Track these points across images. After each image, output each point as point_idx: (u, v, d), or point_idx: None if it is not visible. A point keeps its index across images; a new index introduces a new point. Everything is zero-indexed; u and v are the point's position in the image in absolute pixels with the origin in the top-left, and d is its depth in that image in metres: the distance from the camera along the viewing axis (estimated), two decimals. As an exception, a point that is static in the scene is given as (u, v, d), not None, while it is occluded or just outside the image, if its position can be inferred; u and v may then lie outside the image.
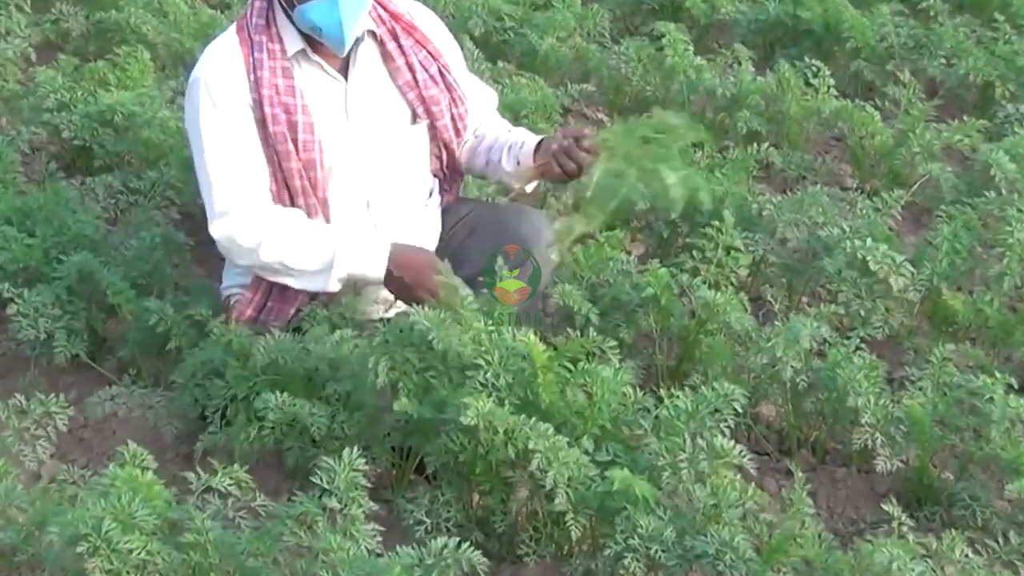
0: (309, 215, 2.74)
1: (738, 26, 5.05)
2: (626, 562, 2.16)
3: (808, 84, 4.23)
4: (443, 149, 2.92)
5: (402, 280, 2.69)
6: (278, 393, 2.45)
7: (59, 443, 2.67)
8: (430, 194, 2.94)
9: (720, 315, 2.84)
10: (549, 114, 4.09)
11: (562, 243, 2.69)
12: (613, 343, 2.49)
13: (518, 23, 4.82)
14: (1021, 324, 3.17)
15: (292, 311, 2.79)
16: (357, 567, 2.05)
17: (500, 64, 4.46)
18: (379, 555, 2.12)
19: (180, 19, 4.56)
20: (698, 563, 2.18)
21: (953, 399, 2.69)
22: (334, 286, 2.71)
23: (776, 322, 2.88)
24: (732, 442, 2.29)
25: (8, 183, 3.46)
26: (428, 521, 2.41)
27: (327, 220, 2.76)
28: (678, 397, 2.36)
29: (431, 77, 2.84)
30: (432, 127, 2.87)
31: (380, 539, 2.15)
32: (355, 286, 2.76)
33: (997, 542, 2.42)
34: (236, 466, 2.24)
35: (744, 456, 2.29)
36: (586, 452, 2.31)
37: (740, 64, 4.43)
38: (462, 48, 3.20)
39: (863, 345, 2.81)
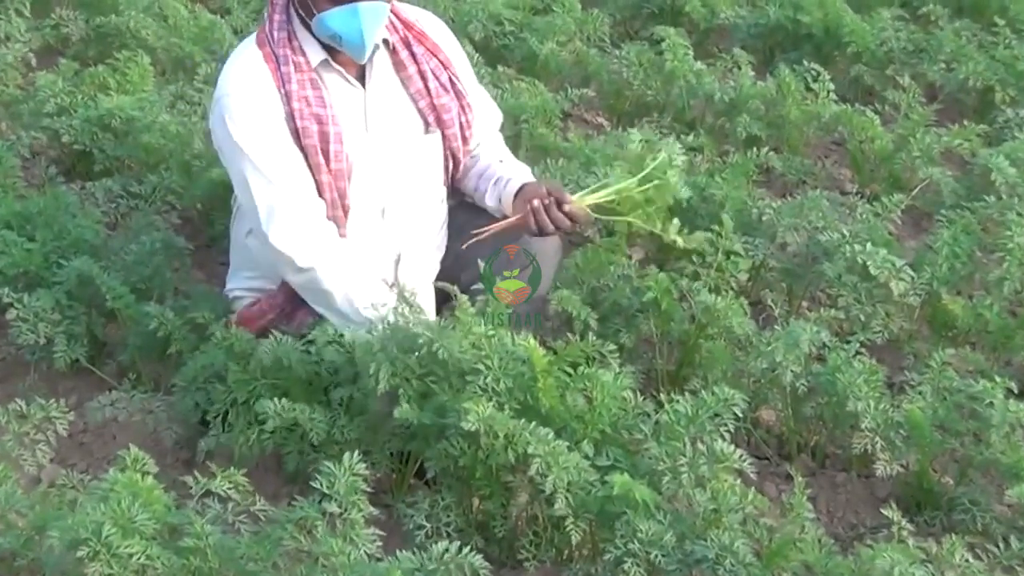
0: (336, 227, 2.73)
1: (738, 30, 5.05)
2: (626, 567, 2.16)
3: (808, 88, 4.23)
4: (450, 158, 2.92)
5: None
6: (277, 400, 2.45)
7: (59, 447, 2.66)
8: (441, 202, 2.95)
9: (720, 319, 2.84)
10: (549, 119, 4.08)
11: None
12: (613, 347, 2.49)
13: (518, 27, 4.81)
14: (1021, 328, 3.16)
15: (296, 324, 2.78)
16: (357, 571, 2.05)
17: (500, 69, 4.46)
18: (379, 560, 2.12)
19: (180, 24, 4.56)
20: (698, 568, 2.18)
21: (953, 404, 2.69)
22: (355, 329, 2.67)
23: (776, 326, 2.89)
24: (732, 446, 2.29)
25: (8, 187, 3.46)
26: (428, 525, 2.41)
27: (345, 229, 2.75)
28: (678, 402, 2.36)
29: (442, 85, 2.84)
30: (442, 136, 2.87)
31: (380, 544, 2.15)
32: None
33: (997, 547, 2.42)
34: (235, 470, 2.24)
35: (744, 460, 2.29)
36: (586, 457, 2.32)
37: (740, 68, 4.43)
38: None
39: (863, 350, 2.81)
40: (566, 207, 2.68)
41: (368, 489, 2.16)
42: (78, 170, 3.92)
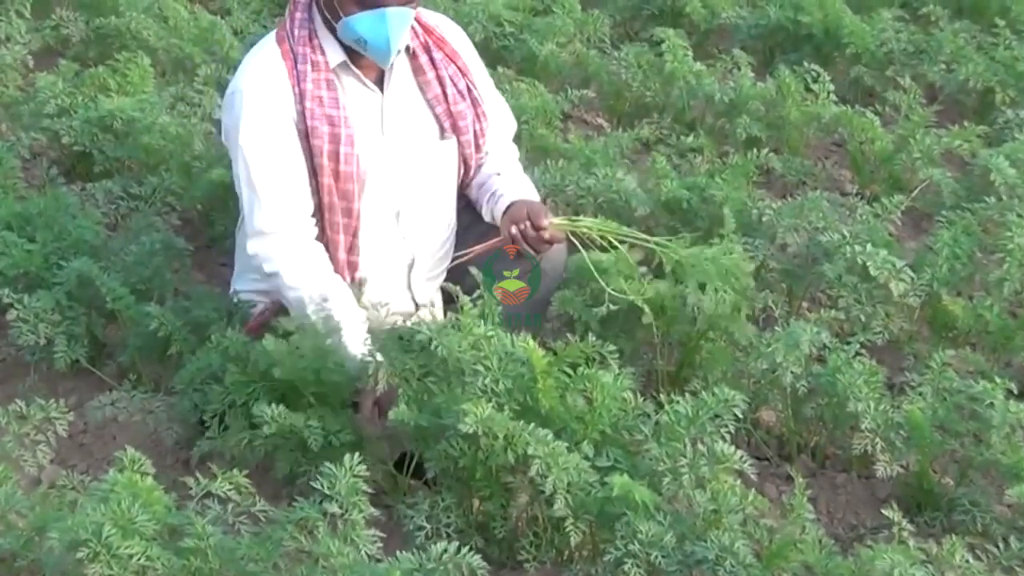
0: (332, 231, 2.73)
1: (738, 31, 5.05)
2: (626, 568, 2.16)
3: (808, 89, 4.23)
4: (462, 164, 2.91)
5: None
6: (274, 405, 2.43)
7: (59, 448, 2.66)
8: (453, 208, 2.95)
9: (721, 324, 2.84)
10: (549, 120, 4.09)
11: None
12: (613, 348, 2.49)
13: (518, 29, 4.81)
14: (1021, 329, 3.16)
15: None
16: (357, 572, 2.05)
17: (500, 70, 4.45)
18: (379, 560, 2.13)
19: (180, 24, 4.56)
20: (698, 569, 2.18)
21: (953, 404, 2.68)
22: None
23: (776, 327, 2.88)
24: (732, 447, 2.29)
25: (8, 188, 3.46)
26: (428, 526, 2.41)
27: (356, 233, 2.75)
28: (678, 402, 2.36)
29: (459, 92, 2.84)
30: (457, 142, 2.87)
31: (380, 544, 2.15)
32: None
33: (997, 547, 2.42)
34: (236, 471, 2.23)
35: (744, 461, 2.29)
36: (586, 457, 2.31)
37: (740, 69, 4.43)
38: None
39: (863, 350, 2.80)
40: (546, 234, 2.69)
41: (368, 490, 2.16)
42: (78, 171, 3.93)
